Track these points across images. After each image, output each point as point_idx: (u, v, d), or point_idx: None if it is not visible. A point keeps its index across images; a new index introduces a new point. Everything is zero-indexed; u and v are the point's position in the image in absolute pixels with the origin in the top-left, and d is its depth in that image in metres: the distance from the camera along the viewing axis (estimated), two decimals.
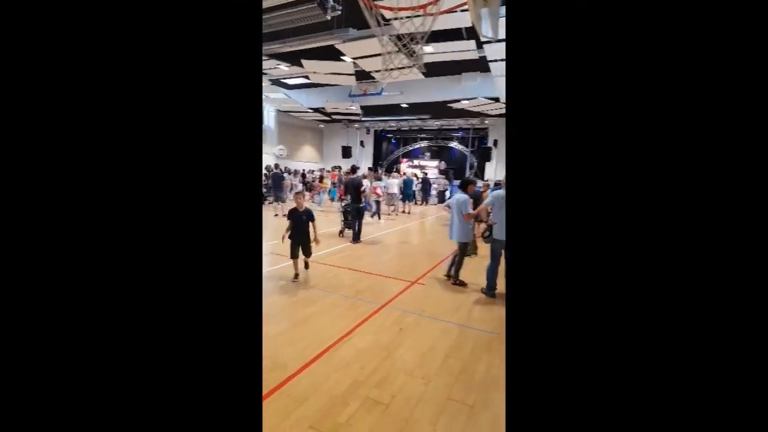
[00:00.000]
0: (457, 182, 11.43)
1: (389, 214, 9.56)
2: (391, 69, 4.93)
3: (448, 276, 4.52)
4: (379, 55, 8.70)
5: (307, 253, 4.29)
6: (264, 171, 11.99)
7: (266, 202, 10.59)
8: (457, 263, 4.40)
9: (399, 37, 4.63)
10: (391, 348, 2.77)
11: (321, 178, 13.11)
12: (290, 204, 4.12)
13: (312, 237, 4.22)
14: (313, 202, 11.32)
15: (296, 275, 4.24)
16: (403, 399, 2.16)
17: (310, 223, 4.19)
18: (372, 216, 9.29)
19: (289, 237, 4.17)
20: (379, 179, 9.91)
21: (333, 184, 12.78)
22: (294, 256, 4.21)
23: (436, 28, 4.44)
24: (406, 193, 11.84)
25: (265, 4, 5.99)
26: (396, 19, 4.57)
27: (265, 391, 2.14)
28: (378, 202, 9.36)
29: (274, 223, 7.91)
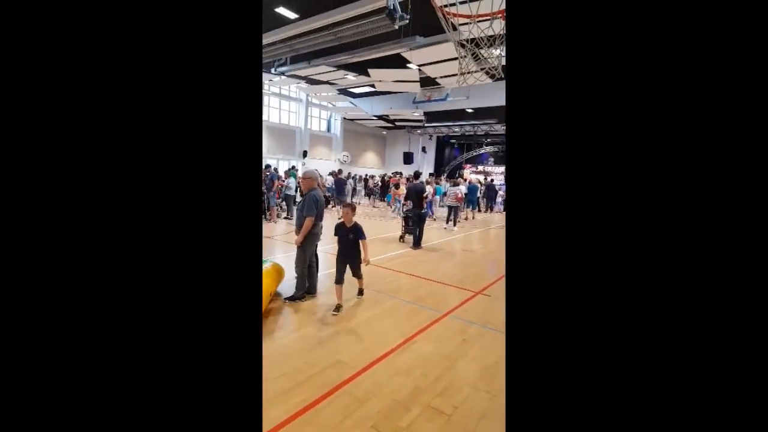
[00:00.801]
0: None
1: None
2: (466, 73, 4.86)
3: None
4: (444, 61, 8.69)
5: (358, 274, 3.67)
6: (328, 175, 12.58)
7: (329, 206, 11.03)
8: None
9: (477, 44, 4.54)
10: (454, 358, 2.70)
11: (397, 185, 12.11)
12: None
13: (362, 257, 3.52)
14: (387, 209, 11.45)
15: (338, 307, 3.42)
16: (467, 411, 2.09)
17: (360, 242, 3.47)
18: (447, 222, 9.05)
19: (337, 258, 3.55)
20: (457, 184, 9.69)
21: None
22: (338, 281, 3.45)
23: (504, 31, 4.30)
24: (470, 200, 11.55)
25: (336, 19, 6.31)
26: (467, 23, 4.51)
27: (327, 389, 2.21)
28: (456, 207, 9.07)
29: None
